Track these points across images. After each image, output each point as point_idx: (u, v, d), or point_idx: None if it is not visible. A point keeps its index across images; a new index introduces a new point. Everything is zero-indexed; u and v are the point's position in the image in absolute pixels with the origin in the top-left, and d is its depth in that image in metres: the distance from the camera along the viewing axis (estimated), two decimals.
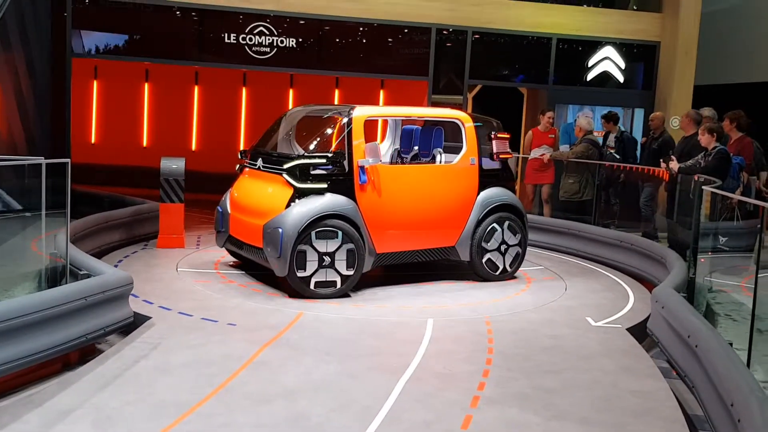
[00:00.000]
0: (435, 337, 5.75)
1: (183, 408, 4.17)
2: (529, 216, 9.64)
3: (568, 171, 10.23)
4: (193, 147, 14.28)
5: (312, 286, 6.75)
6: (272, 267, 6.79)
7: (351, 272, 6.86)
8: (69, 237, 6.15)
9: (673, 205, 8.59)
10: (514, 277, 7.93)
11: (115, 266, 7.41)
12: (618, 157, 10.42)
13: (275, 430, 3.97)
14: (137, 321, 5.71)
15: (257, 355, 5.14)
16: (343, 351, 5.39)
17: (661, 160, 8.86)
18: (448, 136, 7.88)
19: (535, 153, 10.93)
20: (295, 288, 6.77)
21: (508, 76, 12.75)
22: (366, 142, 7.01)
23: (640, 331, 6.17)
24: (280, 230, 6.63)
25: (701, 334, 4.72)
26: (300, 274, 6.70)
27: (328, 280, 6.78)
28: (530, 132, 11.41)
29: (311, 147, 7.19)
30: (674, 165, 8.39)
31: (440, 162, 7.73)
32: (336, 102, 13.53)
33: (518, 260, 7.94)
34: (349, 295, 6.96)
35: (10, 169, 7.25)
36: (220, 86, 14.01)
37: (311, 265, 6.71)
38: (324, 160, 6.87)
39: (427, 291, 7.34)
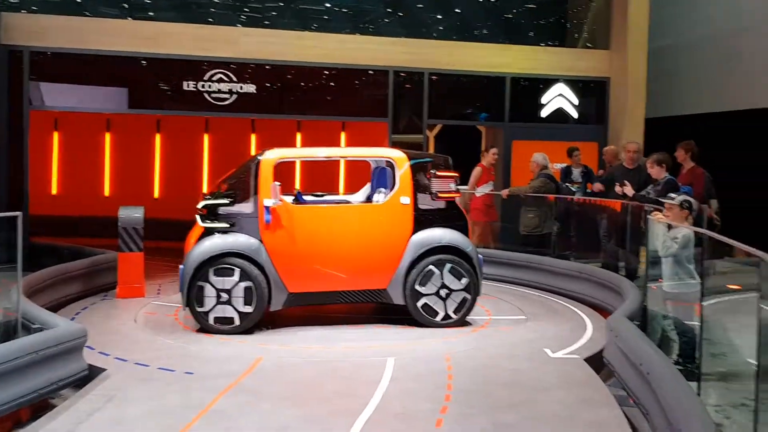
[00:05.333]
0: (395, 377, 5.75)
1: None
2: (488, 251, 9.76)
3: (527, 205, 10.39)
4: (156, 195, 14.23)
5: (211, 321, 7.05)
6: None
7: (249, 309, 7.05)
8: (21, 290, 6.06)
9: (625, 234, 8.78)
10: (466, 323, 7.45)
11: (73, 318, 7.33)
12: (574, 190, 10.63)
13: None
14: (92, 374, 5.61)
15: (214, 403, 5.08)
16: (302, 395, 5.36)
17: (617, 184, 9.04)
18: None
19: (482, 190, 10.93)
20: (197, 322, 7.10)
21: (466, 114, 13.00)
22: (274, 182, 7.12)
23: (597, 361, 6.24)
24: (181, 267, 7.12)
25: (652, 362, 4.81)
26: (199, 308, 7.04)
27: (226, 316, 7.04)
28: (477, 168, 10.98)
29: (227, 188, 7.40)
30: (629, 190, 8.58)
31: (378, 202, 7.67)
32: (298, 145, 13.64)
33: (465, 306, 7.38)
34: (302, 337, 6.98)
35: None
36: (182, 133, 14.06)
37: (209, 300, 7.04)
38: (227, 201, 7.22)
39: (388, 331, 7.35)
